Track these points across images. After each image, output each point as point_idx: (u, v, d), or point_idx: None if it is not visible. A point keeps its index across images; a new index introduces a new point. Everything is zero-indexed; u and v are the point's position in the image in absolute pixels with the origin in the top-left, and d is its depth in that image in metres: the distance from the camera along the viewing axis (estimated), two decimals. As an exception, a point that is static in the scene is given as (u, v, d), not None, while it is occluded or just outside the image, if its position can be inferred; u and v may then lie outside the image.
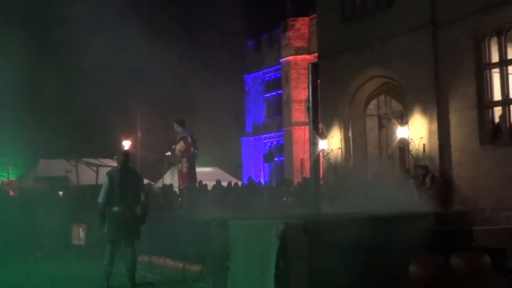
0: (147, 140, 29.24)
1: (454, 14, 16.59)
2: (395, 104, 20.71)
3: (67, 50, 28.62)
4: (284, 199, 18.93)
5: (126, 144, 29.89)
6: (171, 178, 21.50)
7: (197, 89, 30.46)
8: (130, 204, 10.08)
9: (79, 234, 15.43)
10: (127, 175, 10.20)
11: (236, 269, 8.00)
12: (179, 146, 14.71)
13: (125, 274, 10.25)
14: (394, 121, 19.58)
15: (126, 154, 10.54)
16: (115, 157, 11.32)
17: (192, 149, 14.84)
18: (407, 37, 17.88)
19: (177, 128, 15.04)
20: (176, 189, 18.71)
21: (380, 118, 21.32)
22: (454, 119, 16.70)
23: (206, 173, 18.93)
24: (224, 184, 21.69)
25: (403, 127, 18.20)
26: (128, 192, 10.04)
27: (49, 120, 27.76)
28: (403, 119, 18.78)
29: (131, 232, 10.08)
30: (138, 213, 10.22)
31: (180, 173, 14.96)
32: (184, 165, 14.81)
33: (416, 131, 17.74)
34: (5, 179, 26.60)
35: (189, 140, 14.76)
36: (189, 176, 14.97)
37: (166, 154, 15.75)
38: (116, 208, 9.98)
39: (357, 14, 20.14)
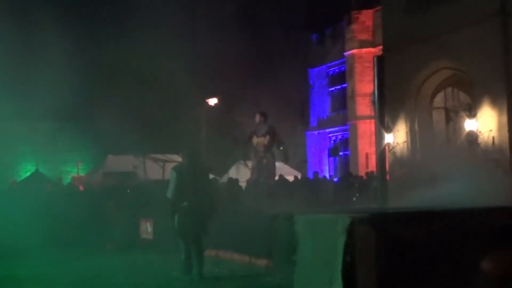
0: (212, 135, 29.47)
1: (524, 2, 16.13)
2: (462, 97, 20.23)
3: (138, 48, 29.13)
4: (350, 193, 18.79)
5: (212, 101, 29.66)
6: (236, 173, 21.61)
7: (261, 84, 30.56)
8: (198, 199, 10.17)
9: (147, 228, 15.71)
10: (195, 169, 10.30)
11: (303, 264, 7.98)
12: (266, 140, 14.62)
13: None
14: (462, 113, 19.15)
15: (194, 148, 10.68)
16: (180, 153, 11.49)
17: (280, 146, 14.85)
18: (475, 27, 17.42)
19: (260, 120, 14.88)
20: (242, 184, 18.78)
21: (447, 111, 20.88)
22: (525, 110, 16.26)
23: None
24: (289, 178, 21.66)
25: (472, 120, 17.81)
26: (196, 187, 10.13)
27: (118, 116, 28.30)
28: (471, 111, 18.35)
29: (200, 227, 10.20)
30: (207, 208, 10.32)
31: (267, 168, 14.86)
32: (271, 161, 14.74)
33: (485, 124, 17.31)
34: (75, 175, 27.30)
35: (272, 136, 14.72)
36: (274, 171, 14.97)
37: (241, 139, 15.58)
38: (185, 203, 10.10)
39: (423, 4, 19.74)
